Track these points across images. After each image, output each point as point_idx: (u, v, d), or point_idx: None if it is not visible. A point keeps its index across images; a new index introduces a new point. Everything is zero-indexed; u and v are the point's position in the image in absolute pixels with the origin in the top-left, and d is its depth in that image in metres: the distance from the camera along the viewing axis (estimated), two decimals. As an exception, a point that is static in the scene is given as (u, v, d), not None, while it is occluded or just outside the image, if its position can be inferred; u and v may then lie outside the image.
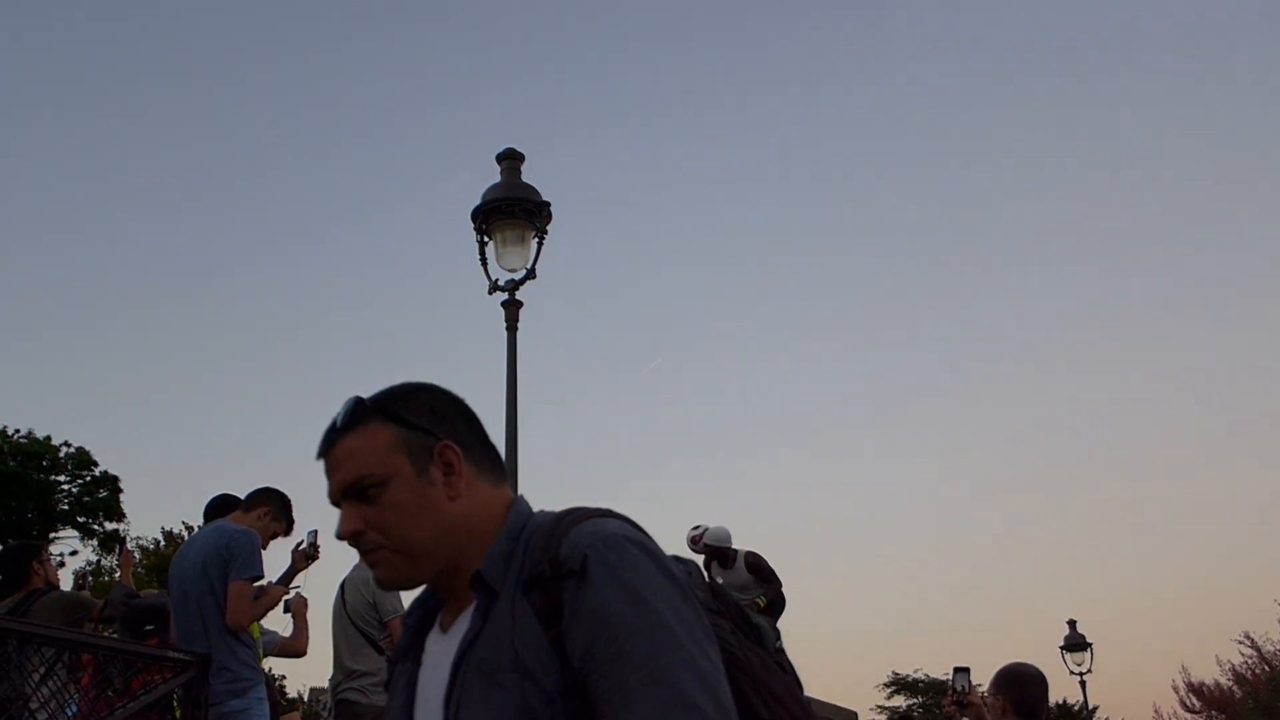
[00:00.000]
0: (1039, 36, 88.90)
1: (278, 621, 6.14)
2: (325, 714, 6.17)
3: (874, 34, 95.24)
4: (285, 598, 5.88)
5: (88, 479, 36.54)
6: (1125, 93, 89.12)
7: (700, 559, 9.02)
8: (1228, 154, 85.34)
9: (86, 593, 8.04)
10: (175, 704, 5.02)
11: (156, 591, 5.82)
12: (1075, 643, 21.73)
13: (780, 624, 9.00)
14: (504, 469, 1.56)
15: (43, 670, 4.66)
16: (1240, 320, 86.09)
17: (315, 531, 6.03)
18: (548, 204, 9.48)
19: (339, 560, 6.11)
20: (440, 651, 1.44)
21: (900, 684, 50.47)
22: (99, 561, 35.20)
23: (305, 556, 6.01)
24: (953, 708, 5.09)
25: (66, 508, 36.12)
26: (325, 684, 6.31)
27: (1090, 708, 26.70)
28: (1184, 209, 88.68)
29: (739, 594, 9.18)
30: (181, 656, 4.95)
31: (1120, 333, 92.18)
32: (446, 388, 1.59)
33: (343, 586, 6.18)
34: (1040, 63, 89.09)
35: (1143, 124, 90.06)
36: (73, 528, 36.38)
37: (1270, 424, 78.11)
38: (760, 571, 9.10)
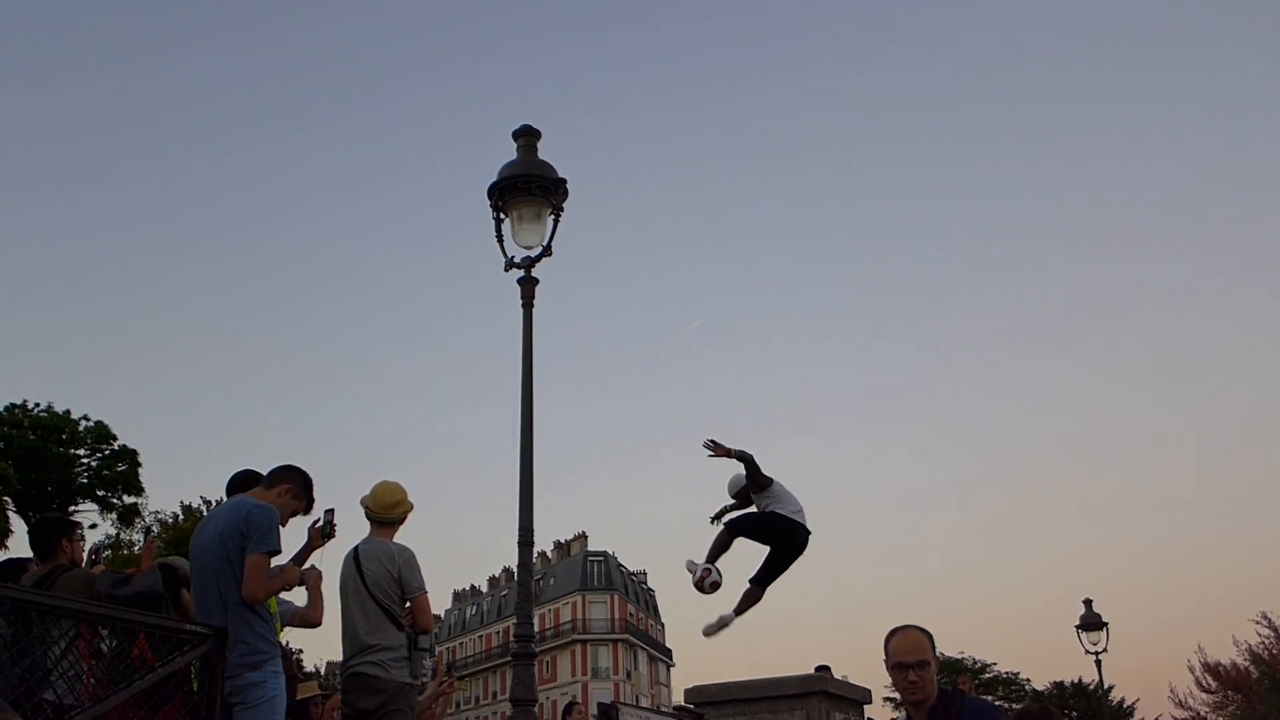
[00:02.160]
0: (1025, 40, 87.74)
1: (294, 593, 6.14)
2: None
3: (894, 24, 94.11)
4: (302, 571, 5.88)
5: (107, 453, 36.76)
6: (1117, 86, 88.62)
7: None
8: (1231, 143, 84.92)
9: (101, 567, 8.03)
10: (192, 676, 5.06)
11: (145, 571, 5.75)
12: (1091, 622, 21.67)
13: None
14: None
15: (64, 644, 4.71)
16: (1262, 306, 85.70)
17: (332, 510, 6.04)
18: (564, 181, 9.44)
19: (352, 537, 6.14)
20: None
21: (915, 662, 50.67)
22: (118, 535, 35.38)
23: (322, 535, 6.03)
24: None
25: (86, 481, 36.37)
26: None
27: (1106, 687, 26.67)
28: (1194, 199, 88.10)
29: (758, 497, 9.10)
30: (199, 629, 4.98)
31: (1141, 316, 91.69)
32: None
33: (357, 558, 6.05)
34: (1033, 63, 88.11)
35: (1152, 114, 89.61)
36: (92, 501, 36.63)
37: (1290, 405, 77.73)
38: (755, 481, 9.05)
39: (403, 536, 6.22)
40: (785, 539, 8.85)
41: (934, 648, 3.86)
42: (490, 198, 9.50)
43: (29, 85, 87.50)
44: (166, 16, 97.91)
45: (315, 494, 5.64)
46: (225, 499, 5.83)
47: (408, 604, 6.03)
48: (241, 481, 5.76)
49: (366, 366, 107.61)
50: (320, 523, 6.00)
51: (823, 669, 8.72)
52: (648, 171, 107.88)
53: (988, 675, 50.15)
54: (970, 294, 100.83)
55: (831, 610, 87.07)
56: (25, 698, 4.37)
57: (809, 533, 8.82)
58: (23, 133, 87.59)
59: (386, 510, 6.16)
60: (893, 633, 3.93)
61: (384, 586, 5.93)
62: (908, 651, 3.82)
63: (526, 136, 9.68)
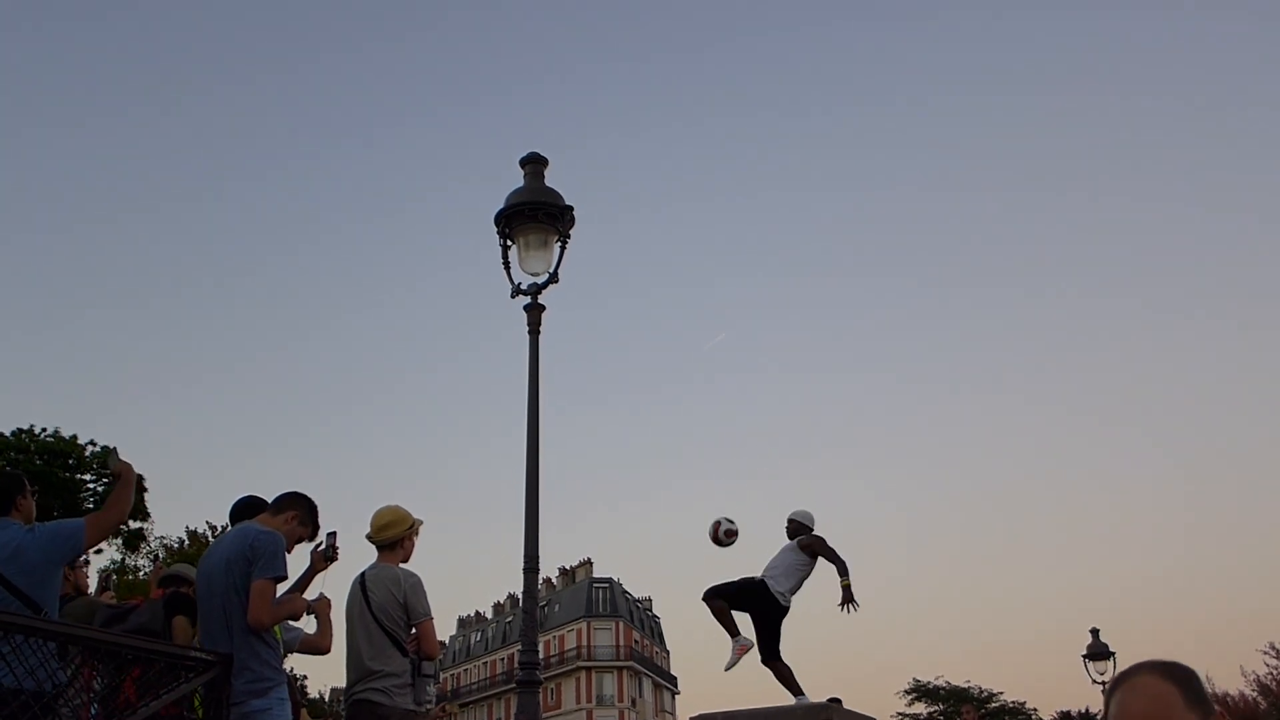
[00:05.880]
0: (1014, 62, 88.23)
1: (302, 620, 6.13)
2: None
3: (894, 53, 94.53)
4: (310, 600, 5.87)
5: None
6: (1088, 112, 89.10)
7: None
8: (1199, 173, 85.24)
9: (110, 594, 8.00)
10: (197, 703, 5.05)
11: (144, 605, 5.73)
12: (1098, 651, 21.54)
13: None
14: None
15: (71, 671, 4.70)
16: (1272, 334, 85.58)
17: (334, 533, 6.04)
18: (570, 208, 9.46)
19: (356, 562, 6.15)
20: None
21: (921, 691, 50.39)
22: (123, 560, 35.35)
23: (324, 558, 6.02)
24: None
25: (92, 506, 36.30)
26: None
27: (1113, 717, 26.44)
28: (1190, 211, 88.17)
29: (790, 565, 9.35)
30: (204, 656, 4.97)
31: (1144, 344, 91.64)
32: None
33: (364, 583, 6.02)
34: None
35: (1109, 145, 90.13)
36: (98, 526, 36.52)
37: (1297, 434, 77.50)
38: (809, 549, 9.31)
39: (408, 561, 6.21)
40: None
41: (1196, 699, 2.00)
42: (497, 224, 9.53)
43: (33, 112, 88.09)
44: (175, 43, 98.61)
45: (320, 520, 5.66)
46: (229, 525, 5.84)
47: (414, 630, 6.01)
48: (244, 507, 5.77)
49: (373, 392, 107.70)
50: (322, 545, 6.00)
51: (835, 701, 8.69)
52: (655, 196, 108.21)
53: (994, 705, 49.88)
54: (982, 321, 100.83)
55: (839, 639, 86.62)
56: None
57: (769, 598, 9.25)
58: (28, 158, 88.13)
59: (377, 533, 6.14)
60: (1119, 681, 2.11)
61: (389, 612, 5.90)
62: (1139, 716, 2.02)
63: (534, 163, 9.71)
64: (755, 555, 9.58)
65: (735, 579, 9.24)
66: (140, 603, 5.87)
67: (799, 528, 9.47)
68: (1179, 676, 2.03)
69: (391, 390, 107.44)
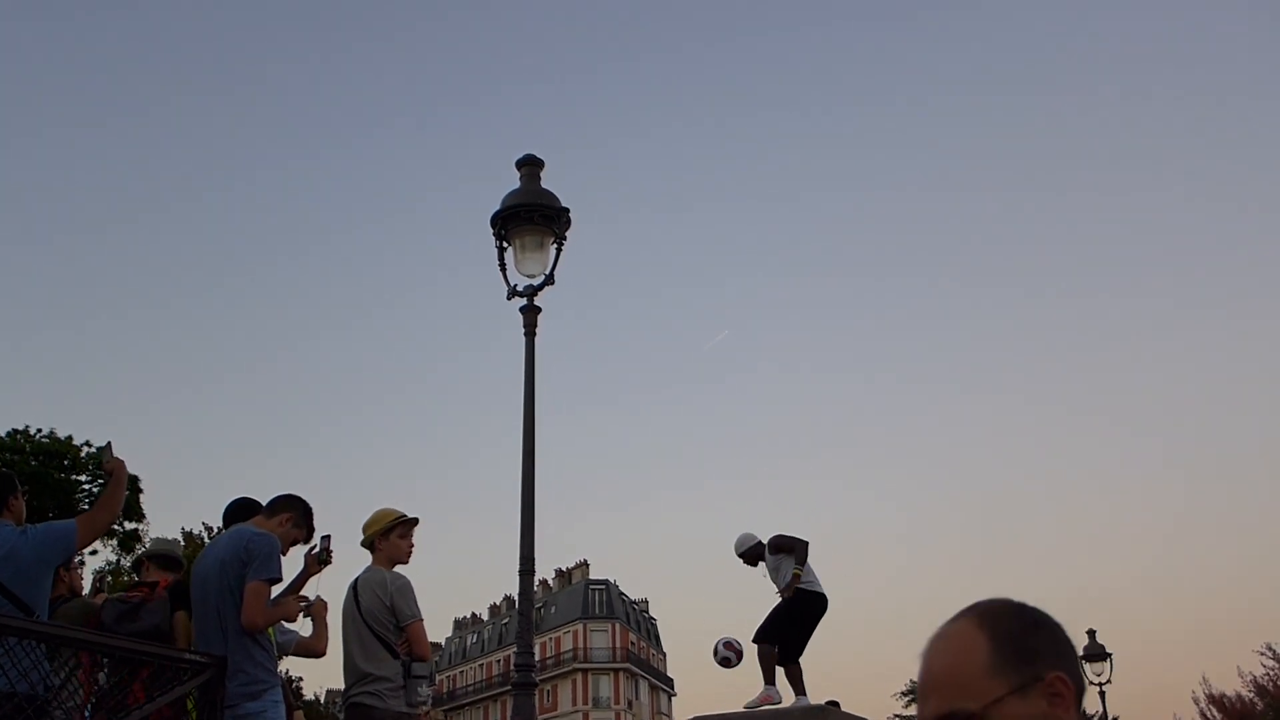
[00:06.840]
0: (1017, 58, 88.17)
1: (299, 623, 6.13)
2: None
3: (897, 54, 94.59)
4: (304, 604, 5.87)
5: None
6: (1086, 109, 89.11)
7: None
8: (1199, 173, 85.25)
9: (104, 595, 7.97)
10: (190, 706, 5.03)
11: (154, 604, 5.70)
12: (1095, 653, 21.55)
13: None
14: None
15: (65, 673, 4.70)
16: (1271, 333, 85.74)
17: (328, 536, 6.04)
18: (567, 210, 9.48)
19: (351, 565, 6.14)
20: None
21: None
22: (118, 561, 35.31)
23: (318, 561, 6.02)
24: None
25: (87, 507, 36.25)
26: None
27: (1110, 718, 26.51)
28: (1176, 226, 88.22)
29: (776, 574, 9.41)
30: (198, 658, 4.96)
31: (1143, 344, 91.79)
32: None
33: (355, 587, 6.06)
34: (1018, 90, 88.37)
35: (1109, 145, 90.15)
36: (93, 528, 36.46)
37: (1293, 435, 77.64)
38: (782, 548, 9.39)
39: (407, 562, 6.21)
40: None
41: (1011, 659, 1.38)
42: (493, 226, 9.54)
43: (31, 112, 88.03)
44: (169, 44, 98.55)
45: (315, 523, 5.66)
46: (224, 527, 5.83)
47: (404, 632, 6.01)
48: (238, 509, 5.76)
49: (369, 393, 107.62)
50: (317, 549, 6.00)
51: (833, 704, 8.72)
52: (654, 196, 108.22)
53: (991, 706, 49.87)
54: (982, 321, 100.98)
55: (837, 640, 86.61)
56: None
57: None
58: (25, 159, 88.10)
59: (363, 533, 6.19)
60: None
61: (378, 616, 5.92)
62: (921, 686, 1.47)
63: (530, 166, 9.73)
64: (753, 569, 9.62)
65: (770, 616, 9.23)
66: (145, 594, 5.81)
67: (757, 546, 9.54)
68: (998, 626, 1.44)
69: (388, 392, 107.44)
